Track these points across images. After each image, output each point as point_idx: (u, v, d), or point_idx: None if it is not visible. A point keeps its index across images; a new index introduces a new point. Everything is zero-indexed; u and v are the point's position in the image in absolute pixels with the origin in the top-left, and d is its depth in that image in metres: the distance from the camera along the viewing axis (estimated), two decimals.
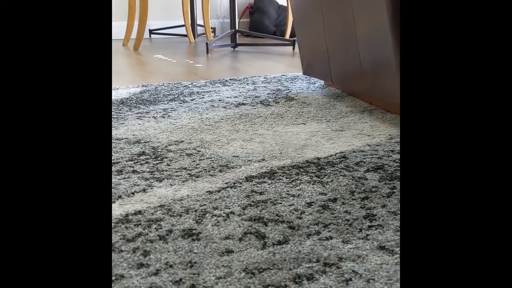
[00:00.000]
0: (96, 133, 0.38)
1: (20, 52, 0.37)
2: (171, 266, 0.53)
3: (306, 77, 1.76)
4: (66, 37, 0.38)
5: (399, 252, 0.56)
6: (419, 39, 0.36)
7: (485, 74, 0.34)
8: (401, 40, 0.38)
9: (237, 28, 2.76)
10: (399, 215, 0.65)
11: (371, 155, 0.90)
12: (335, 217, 0.65)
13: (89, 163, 0.37)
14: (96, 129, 0.38)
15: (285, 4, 3.63)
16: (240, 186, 0.76)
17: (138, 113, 1.26)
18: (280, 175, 0.80)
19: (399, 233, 0.60)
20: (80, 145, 0.37)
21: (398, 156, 0.89)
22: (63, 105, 0.37)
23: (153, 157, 0.90)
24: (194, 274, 0.51)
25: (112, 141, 1.02)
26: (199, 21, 3.71)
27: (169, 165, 0.86)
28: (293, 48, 2.72)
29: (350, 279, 0.51)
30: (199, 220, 0.64)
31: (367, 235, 0.60)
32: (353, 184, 0.77)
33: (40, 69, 0.37)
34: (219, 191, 0.74)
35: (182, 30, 3.70)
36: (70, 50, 0.38)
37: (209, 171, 0.82)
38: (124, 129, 1.10)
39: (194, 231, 0.61)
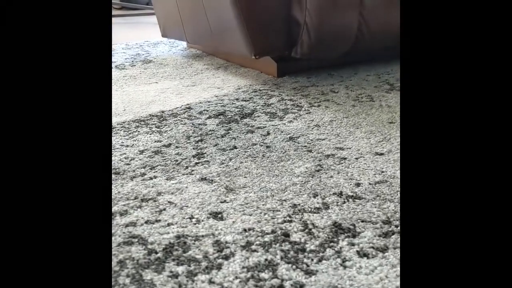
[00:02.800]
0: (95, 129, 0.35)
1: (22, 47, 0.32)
2: None
3: (170, 42, 1.74)
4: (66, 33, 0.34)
5: (218, 180, 0.58)
6: (418, 36, 0.34)
7: (486, 72, 0.33)
8: (401, 40, 0.35)
9: None
10: (228, 151, 0.68)
11: (216, 104, 0.92)
12: (165, 159, 0.66)
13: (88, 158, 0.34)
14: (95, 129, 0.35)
15: None
16: None
17: None
18: (118, 129, 0.79)
19: (223, 165, 0.63)
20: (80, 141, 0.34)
21: (242, 103, 0.92)
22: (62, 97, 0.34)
23: None
24: None
25: None
26: None
27: None
28: None
29: (164, 209, 0.52)
30: None
31: (192, 171, 0.62)
32: (191, 130, 0.78)
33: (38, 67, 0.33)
34: None
35: None
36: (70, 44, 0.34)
37: None
38: None
39: None
